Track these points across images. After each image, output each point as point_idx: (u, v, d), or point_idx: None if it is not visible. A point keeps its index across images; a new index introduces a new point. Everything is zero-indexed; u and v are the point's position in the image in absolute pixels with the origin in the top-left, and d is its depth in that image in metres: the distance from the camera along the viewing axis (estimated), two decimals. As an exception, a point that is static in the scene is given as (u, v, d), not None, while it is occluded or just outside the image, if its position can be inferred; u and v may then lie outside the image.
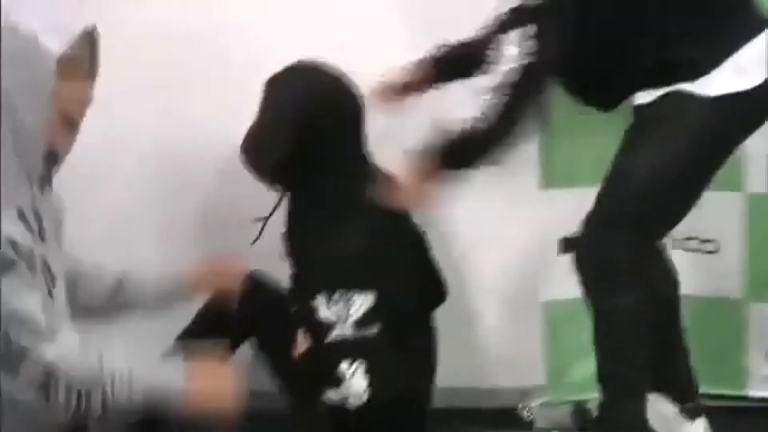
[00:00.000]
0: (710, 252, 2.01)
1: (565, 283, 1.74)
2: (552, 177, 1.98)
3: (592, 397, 1.69)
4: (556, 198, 1.96)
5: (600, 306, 1.53)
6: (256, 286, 1.63)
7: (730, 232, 1.99)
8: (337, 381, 1.45)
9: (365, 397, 1.44)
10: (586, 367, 1.71)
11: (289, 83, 1.52)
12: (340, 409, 1.46)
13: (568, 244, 1.86)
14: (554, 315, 2.01)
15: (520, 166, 1.68)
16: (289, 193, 1.57)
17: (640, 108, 1.54)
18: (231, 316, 1.58)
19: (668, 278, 1.70)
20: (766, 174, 1.92)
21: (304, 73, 1.54)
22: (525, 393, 1.99)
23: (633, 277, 1.50)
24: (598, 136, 1.74)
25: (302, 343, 1.55)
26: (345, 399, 1.45)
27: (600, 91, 1.60)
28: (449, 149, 1.48)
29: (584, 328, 1.59)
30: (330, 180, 1.50)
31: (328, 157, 1.49)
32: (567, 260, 1.64)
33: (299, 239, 1.56)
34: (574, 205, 1.67)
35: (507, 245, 1.98)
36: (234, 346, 1.60)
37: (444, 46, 1.75)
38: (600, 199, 1.54)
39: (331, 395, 1.47)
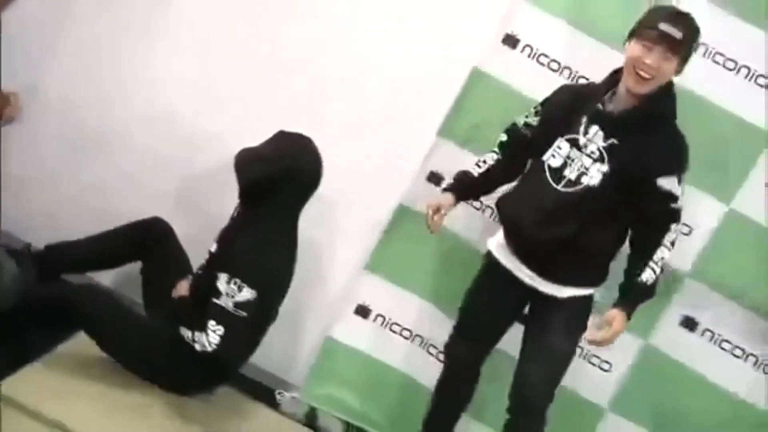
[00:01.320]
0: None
1: (354, 332, 2.56)
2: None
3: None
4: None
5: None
6: (166, 230, 2.50)
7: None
8: (200, 328, 2.13)
9: (209, 350, 2.12)
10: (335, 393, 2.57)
11: (289, 141, 2.26)
12: (186, 343, 2.17)
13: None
14: (331, 350, 2.59)
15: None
16: (241, 203, 2.29)
17: (551, 299, 2.15)
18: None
19: None
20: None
21: (301, 140, 2.27)
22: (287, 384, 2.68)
23: None
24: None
25: (182, 290, 2.35)
26: (194, 341, 2.15)
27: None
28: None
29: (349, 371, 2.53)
30: (273, 211, 2.23)
31: (279, 198, 2.22)
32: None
33: (232, 234, 2.28)
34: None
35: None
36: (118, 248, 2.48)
37: (464, 174, 2.29)
38: (538, 376, 2.16)
39: (187, 333, 2.17)
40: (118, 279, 2.63)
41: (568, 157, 2.10)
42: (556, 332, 2.15)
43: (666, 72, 2.00)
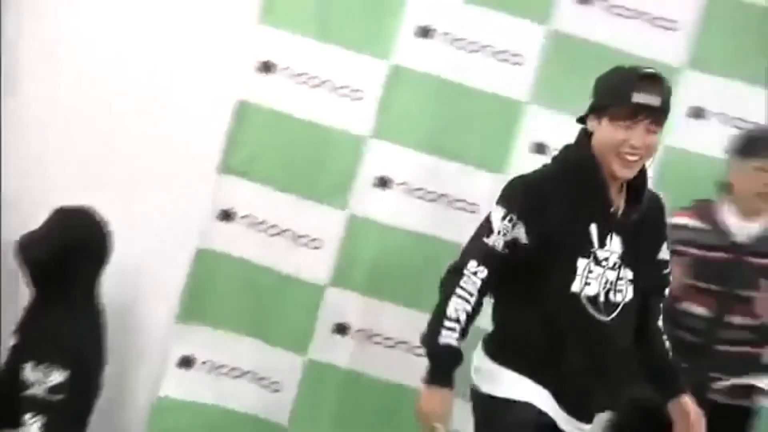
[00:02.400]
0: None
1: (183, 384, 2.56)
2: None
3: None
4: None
5: None
6: None
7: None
8: (18, 425, 2.09)
9: None
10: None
11: (68, 216, 2.25)
12: None
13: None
14: (165, 408, 2.58)
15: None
16: (33, 288, 2.24)
17: None
18: None
19: None
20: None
21: (81, 213, 2.26)
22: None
23: None
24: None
25: None
26: None
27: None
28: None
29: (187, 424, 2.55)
30: (67, 289, 2.19)
31: (70, 275, 2.19)
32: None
33: (30, 321, 2.24)
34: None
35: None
36: None
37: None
38: None
39: None
40: None
41: (596, 278, 1.82)
42: None
43: (653, 146, 1.77)
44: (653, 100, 1.70)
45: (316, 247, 2.53)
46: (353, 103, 2.50)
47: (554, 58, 2.49)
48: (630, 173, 1.76)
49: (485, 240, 1.78)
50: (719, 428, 2.04)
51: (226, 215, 2.51)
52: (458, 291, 1.75)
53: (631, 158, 1.73)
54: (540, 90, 2.50)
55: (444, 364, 1.75)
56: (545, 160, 2.45)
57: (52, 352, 2.11)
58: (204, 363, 2.55)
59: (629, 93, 1.69)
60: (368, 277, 2.53)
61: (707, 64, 2.50)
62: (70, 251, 2.19)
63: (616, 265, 1.81)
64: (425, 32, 2.49)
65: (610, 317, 1.80)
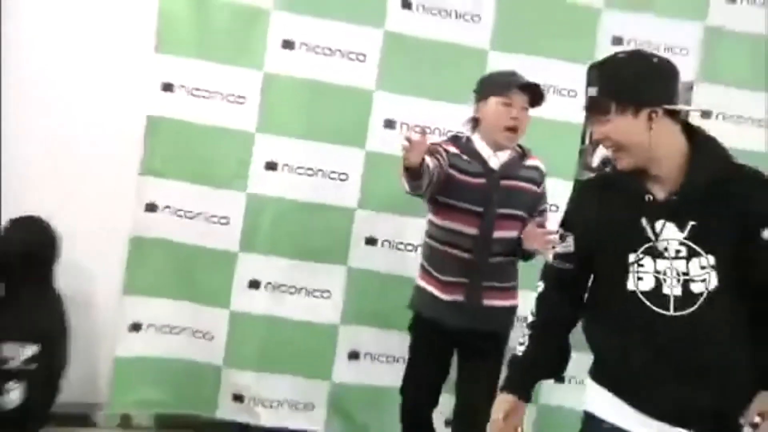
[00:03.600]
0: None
1: (134, 345, 3.19)
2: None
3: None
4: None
5: None
6: None
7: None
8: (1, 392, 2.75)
9: (17, 404, 2.74)
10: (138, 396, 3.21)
11: (18, 226, 2.90)
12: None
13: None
14: (122, 365, 3.20)
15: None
16: (4, 284, 2.84)
17: None
18: None
19: None
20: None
21: (29, 222, 2.90)
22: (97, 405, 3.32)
23: None
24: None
25: None
26: (3, 402, 2.74)
27: None
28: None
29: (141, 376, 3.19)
30: (27, 282, 2.83)
31: (26, 272, 2.83)
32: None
33: (3, 308, 2.81)
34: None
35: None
36: None
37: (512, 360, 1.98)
38: None
39: None
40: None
41: (657, 271, 1.74)
42: None
43: (617, 136, 1.71)
44: (591, 92, 1.73)
45: (225, 223, 3.19)
46: (240, 107, 3.16)
47: (391, 52, 3.20)
48: (620, 165, 1.75)
49: (546, 261, 1.99)
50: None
51: (151, 207, 3.15)
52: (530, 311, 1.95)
53: (606, 146, 1.76)
54: (383, 79, 3.21)
55: (509, 373, 1.96)
56: (395, 133, 3.20)
57: (23, 332, 2.76)
58: (149, 326, 3.19)
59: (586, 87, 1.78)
60: (269, 240, 3.22)
61: (512, 47, 3.23)
62: (27, 254, 2.83)
63: (681, 253, 1.72)
64: (289, 44, 3.17)
65: (690, 310, 1.70)
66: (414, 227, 3.08)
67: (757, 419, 1.69)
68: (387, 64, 3.21)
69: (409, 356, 2.81)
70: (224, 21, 3.13)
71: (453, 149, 2.61)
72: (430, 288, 2.69)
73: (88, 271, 3.20)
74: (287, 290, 3.24)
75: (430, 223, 2.72)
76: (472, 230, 2.60)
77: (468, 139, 2.65)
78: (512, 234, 2.64)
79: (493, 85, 2.60)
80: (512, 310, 2.72)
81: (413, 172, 2.31)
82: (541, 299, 1.93)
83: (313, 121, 3.21)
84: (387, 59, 3.20)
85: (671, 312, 1.71)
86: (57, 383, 2.90)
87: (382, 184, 3.16)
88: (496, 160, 2.62)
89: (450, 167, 2.56)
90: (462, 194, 2.60)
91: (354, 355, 3.30)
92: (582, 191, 1.97)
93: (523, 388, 1.91)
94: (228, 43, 3.15)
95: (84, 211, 3.12)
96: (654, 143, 1.71)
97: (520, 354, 1.92)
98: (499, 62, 3.12)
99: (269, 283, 3.23)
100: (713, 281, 1.70)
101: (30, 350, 2.75)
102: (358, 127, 3.23)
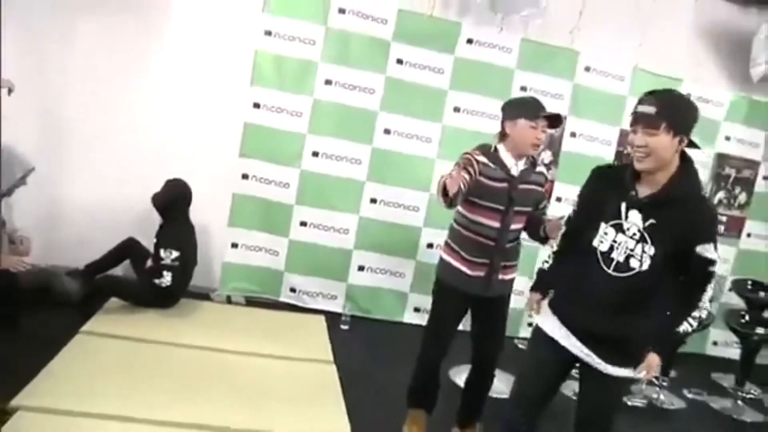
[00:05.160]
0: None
1: (233, 255, 5.36)
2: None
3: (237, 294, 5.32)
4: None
5: None
6: (136, 243, 4.95)
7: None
8: (160, 276, 4.55)
9: (168, 284, 4.56)
10: (236, 285, 5.40)
11: (172, 183, 4.71)
12: (158, 286, 4.56)
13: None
14: (227, 267, 5.38)
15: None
16: (162, 217, 4.69)
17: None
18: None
19: None
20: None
21: (177, 181, 4.71)
22: (212, 288, 5.31)
23: None
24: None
25: (151, 264, 4.72)
26: (161, 283, 4.56)
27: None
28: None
29: (239, 274, 5.40)
30: (176, 216, 4.68)
31: (176, 210, 4.68)
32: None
33: (161, 233, 4.68)
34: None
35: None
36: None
37: (540, 272, 2.77)
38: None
39: (156, 281, 4.55)
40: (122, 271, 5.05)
41: (614, 241, 2.30)
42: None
43: (656, 146, 2.18)
44: (648, 109, 2.19)
45: (287, 187, 5.30)
46: (298, 118, 5.24)
47: (389, 89, 5.28)
48: (641, 166, 2.23)
49: (568, 214, 2.62)
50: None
51: (245, 176, 5.21)
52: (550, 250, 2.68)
53: (639, 154, 2.23)
54: (384, 104, 5.31)
55: (536, 279, 2.69)
56: (390, 136, 5.26)
57: (172, 243, 4.57)
58: (242, 245, 5.29)
59: (636, 106, 2.24)
60: (312, 198, 5.37)
61: (463, 88, 5.30)
62: (175, 199, 4.65)
63: (635, 237, 2.26)
64: (329, 82, 5.26)
65: (623, 275, 2.27)
66: (401, 195, 5.26)
67: (642, 374, 2.33)
68: (386, 95, 5.27)
69: (430, 314, 3.41)
70: (291, 67, 5.13)
71: (483, 159, 3.02)
72: (457, 264, 3.18)
73: (207, 213, 5.10)
74: (323, 228, 5.37)
75: (460, 213, 3.18)
76: (495, 223, 3.07)
77: (495, 149, 3.08)
78: (522, 225, 3.17)
79: (525, 110, 3.02)
80: (513, 280, 3.28)
81: (450, 197, 2.73)
82: (560, 241, 2.66)
83: (341, 127, 5.26)
84: (387, 93, 5.27)
85: (611, 271, 2.29)
86: (190, 273, 4.81)
87: (382, 167, 5.31)
88: (516, 168, 3.06)
89: (479, 175, 2.98)
90: (489, 196, 3.04)
91: (361, 268, 5.45)
92: (594, 174, 2.50)
93: (543, 289, 2.66)
94: (293, 80, 5.15)
95: (205, 178, 4.97)
96: (670, 159, 2.19)
97: (545, 268, 2.68)
98: (454, 99, 5.27)
99: (312, 222, 5.34)
100: (645, 265, 2.23)
101: (175, 254, 4.56)
102: (367, 132, 5.30)
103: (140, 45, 4.99)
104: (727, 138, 5.88)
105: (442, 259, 3.26)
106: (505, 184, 3.01)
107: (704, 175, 5.57)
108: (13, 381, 3.23)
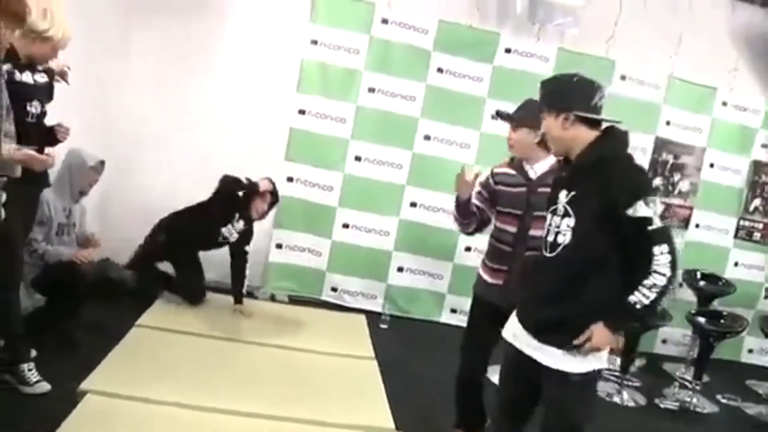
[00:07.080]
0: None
1: (276, 255, 5.52)
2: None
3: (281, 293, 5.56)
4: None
5: None
6: None
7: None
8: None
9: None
10: (280, 284, 5.62)
11: (230, 178, 4.79)
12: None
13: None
14: (271, 266, 5.66)
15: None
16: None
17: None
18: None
19: None
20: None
21: (232, 178, 4.79)
22: (258, 287, 5.50)
23: None
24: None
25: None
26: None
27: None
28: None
29: (282, 273, 5.67)
30: (233, 207, 4.86)
31: (231, 200, 4.83)
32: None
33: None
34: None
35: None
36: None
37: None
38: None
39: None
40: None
41: (549, 224, 2.34)
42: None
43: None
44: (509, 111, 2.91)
45: (331, 191, 5.53)
46: (342, 124, 5.49)
47: (429, 96, 5.50)
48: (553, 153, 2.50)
49: None
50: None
51: (290, 179, 5.48)
52: None
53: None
54: (424, 111, 5.53)
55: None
56: (431, 142, 5.48)
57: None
58: (286, 246, 5.56)
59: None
60: (355, 201, 5.59)
61: (501, 96, 5.48)
62: (234, 195, 4.76)
63: (561, 213, 2.27)
64: (372, 90, 5.50)
65: (553, 254, 2.26)
66: (440, 199, 5.39)
67: (581, 340, 2.22)
68: (427, 103, 5.50)
69: (467, 326, 3.33)
70: (336, 75, 5.40)
71: (502, 169, 3.15)
72: (481, 272, 3.20)
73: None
74: (364, 229, 5.61)
75: (492, 224, 3.22)
76: (513, 228, 3.05)
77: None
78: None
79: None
80: None
81: (462, 210, 2.95)
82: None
83: (383, 133, 5.51)
84: (427, 100, 5.50)
85: (547, 253, 2.32)
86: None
87: (422, 172, 5.53)
88: (533, 171, 3.05)
89: (497, 185, 3.12)
90: (508, 202, 3.07)
91: (401, 269, 5.67)
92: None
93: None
94: (337, 88, 5.42)
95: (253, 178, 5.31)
96: (568, 137, 2.27)
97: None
98: (493, 106, 5.29)
99: (354, 224, 5.59)
100: (567, 238, 2.23)
101: (241, 222, 4.86)
102: (408, 138, 5.54)
103: (197, 52, 5.32)
104: (764, 146, 5.95)
105: (477, 273, 3.29)
106: (523, 189, 3.04)
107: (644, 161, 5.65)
108: (79, 367, 3.48)
